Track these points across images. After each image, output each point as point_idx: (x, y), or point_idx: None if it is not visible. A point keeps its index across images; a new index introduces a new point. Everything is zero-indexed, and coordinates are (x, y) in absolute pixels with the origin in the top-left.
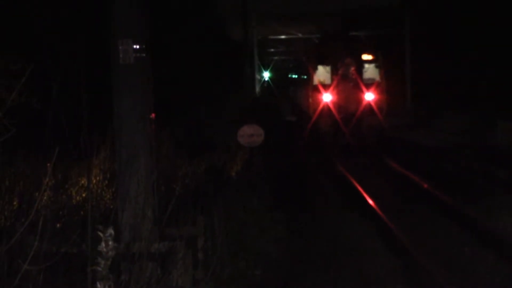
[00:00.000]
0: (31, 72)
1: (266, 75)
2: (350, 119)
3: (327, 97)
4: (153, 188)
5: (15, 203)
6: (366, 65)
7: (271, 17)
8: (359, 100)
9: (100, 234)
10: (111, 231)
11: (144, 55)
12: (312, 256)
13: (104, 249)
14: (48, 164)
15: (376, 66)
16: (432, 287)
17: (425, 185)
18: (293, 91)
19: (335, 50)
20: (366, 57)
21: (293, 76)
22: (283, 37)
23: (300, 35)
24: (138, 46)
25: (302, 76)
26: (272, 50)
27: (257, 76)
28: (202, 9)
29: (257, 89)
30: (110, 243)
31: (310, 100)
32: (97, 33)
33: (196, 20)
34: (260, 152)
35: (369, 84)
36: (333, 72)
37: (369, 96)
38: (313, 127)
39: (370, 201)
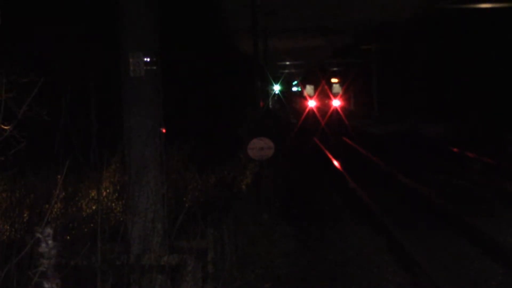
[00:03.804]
0: (41, 84)
1: (277, 88)
2: (325, 117)
3: (311, 104)
4: (163, 201)
5: (25, 215)
6: (334, 85)
7: (280, 32)
8: (330, 105)
9: (39, 234)
10: (49, 230)
11: (154, 68)
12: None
13: (46, 249)
14: (59, 177)
15: (340, 85)
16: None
17: (357, 147)
18: (294, 101)
19: (316, 76)
20: (333, 80)
21: (294, 89)
22: (291, 51)
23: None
24: (149, 59)
25: (298, 90)
26: (281, 64)
27: (269, 89)
28: (214, 25)
29: (269, 100)
30: (50, 242)
31: (302, 105)
32: (108, 46)
33: (207, 35)
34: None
35: (335, 96)
36: (315, 89)
37: (336, 103)
38: (303, 123)
39: (329, 154)
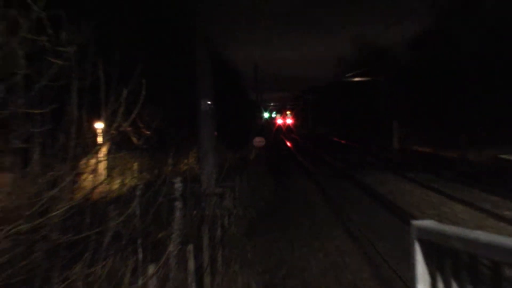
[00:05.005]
0: (163, 113)
1: (266, 114)
2: (284, 127)
3: (279, 121)
4: (215, 165)
5: (155, 171)
6: (288, 114)
7: (268, 88)
8: (286, 123)
9: (174, 180)
10: (179, 178)
11: (212, 106)
12: (288, 195)
13: (178, 186)
14: (170, 154)
15: (290, 114)
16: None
17: (298, 138)
18: (273, 121)
19: (282, 110)
20: (288, 112)
21: (273, 115)
22: (273, 98)
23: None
24: (209, 102)
25: (275, 116)
26: (268, 104)
27: (262, 115)
28: (238, 85)
29: (263, 120)
30: (180, 184)
31: (275, 123)
32: (192, 96)
33: (235, 90)
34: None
35: (289, 119)
36: (281, 115)
37: (288, 121)
38: (275, 131)
39: (287, 141)
